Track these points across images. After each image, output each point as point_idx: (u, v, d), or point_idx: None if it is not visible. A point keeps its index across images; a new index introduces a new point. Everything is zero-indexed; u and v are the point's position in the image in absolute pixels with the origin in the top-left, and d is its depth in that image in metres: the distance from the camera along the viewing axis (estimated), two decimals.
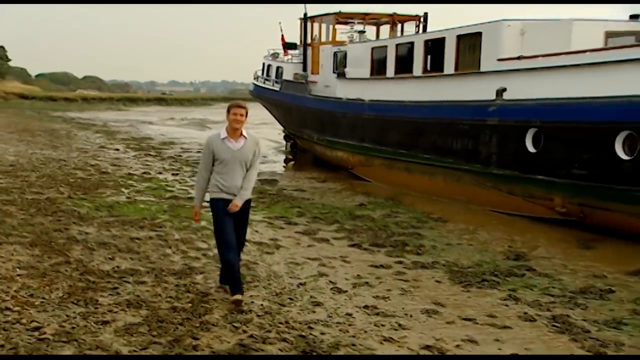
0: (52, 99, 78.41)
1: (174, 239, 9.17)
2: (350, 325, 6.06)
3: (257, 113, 31.87)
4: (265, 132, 35.00)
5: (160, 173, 17.47)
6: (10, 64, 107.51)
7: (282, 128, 27.30)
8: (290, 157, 25.21)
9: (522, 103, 12.68)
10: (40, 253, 7.78)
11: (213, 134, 6.52)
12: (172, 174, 17.41)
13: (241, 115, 6.20)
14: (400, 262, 8.93)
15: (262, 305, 6.38)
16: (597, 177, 10.87)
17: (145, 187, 14.35)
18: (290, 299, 6.67)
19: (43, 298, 6.14)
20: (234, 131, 6.24)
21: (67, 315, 5.67)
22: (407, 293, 7.41)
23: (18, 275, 6.84)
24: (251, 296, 6.66)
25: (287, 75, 24.34)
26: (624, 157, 10.37)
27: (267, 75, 26.53)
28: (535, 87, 12.35)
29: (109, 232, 9.29)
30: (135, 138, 31.23)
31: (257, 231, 10.33)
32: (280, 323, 5.88)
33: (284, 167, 23.95)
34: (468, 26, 14.86)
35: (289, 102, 23.83)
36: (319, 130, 21.18)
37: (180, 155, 23.10)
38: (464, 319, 6.54)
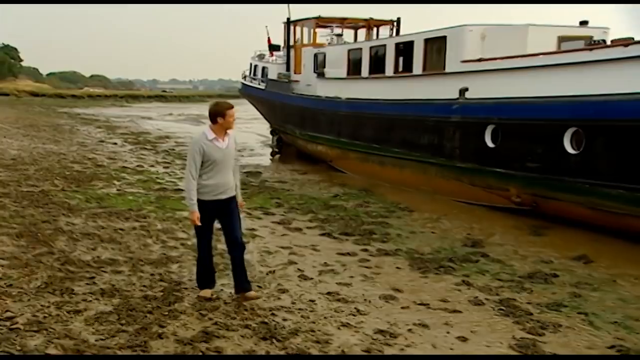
0: (60, 96, 77.81)
1: (156, 229, 8.94)
2: (311, 311, 5.95)
3: (248, 109, 31.73)
4: (255, 126, 34.81)
5: (152, 166, 17.13)
6: (23, 64, 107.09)
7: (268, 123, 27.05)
8: (277, 150, 24.96)
9: (481, 102, 12.59)
10: (26, 244, 7.52)
11: (198, 135, 5.87)
12: (164, 167, 17.08)
13: (232, 116, 5.83)
14: (366, 250, 8.78)
15: (231, 293, 6.20)
16: (548, 170, 10.81)
17: (136, 179, 14.06)
18: (259, 286, 6.48)
19: (21, 288, 5.92)
20: (226, 132, 5.80)
21: (41, 305, 5.47)
22: (369, 279, 7.29)
23: (0, 265, 6.59)
24: (222, 284, 6.49)
25: (272, 74, 24.15)
26: (571, 151, 10.32)
27: (254, 74, 26.32)
28: (494, 87, 12.26)
29: (95, 223, 9.00)
30: (134, 133, 30.75)
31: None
32: (246, 310, 5.74)
33: (270, 159, 23.73)
34: (434, 30, 14.76)
35: (273, 99, 23.66)
36: (301, 125, 21.02)
37: (173, 149, 22.77)
38: (419, 304, 6.44)
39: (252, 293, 6.02)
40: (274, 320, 5.49)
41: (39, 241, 7.63)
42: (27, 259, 6.88)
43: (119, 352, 4.49)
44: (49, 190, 11.30)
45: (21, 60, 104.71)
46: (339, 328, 5.53)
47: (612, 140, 9.64)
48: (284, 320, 5.56)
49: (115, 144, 23.71)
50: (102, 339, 4.74)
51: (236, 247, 6.01)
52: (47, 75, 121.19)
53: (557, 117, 10.64)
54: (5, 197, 10.39)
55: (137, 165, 16.83)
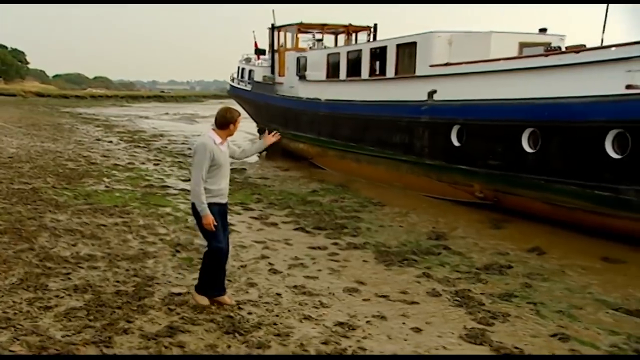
0: (64, 96, 76.71)
1: (138, 225, 8.62)
2: (276, 304, 5.76)
3: (238, 109, 31.24)
4: (244, 125, 34.32)
5: (143, 163, 16.74)
6: (30, 66, 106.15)
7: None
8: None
9: (448, 103, 12.55)
10: (8, 240, 7.18)
11: (206, 139, 5.30)
12: (154, 164, 16.70)
13: (238, 123, 5.51)
14: (336, 244, 8.59)
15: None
16: (508, 167, 10.78)
17: (126, 176, 13.72)
18: (229, 280, 6.23)
19: None
20: (227, 136, 5.42)
21: (13, 302, 5.21)
22: (335, 273, 7.11)
23: None
24: (194, 279, 6.27)
25: (258, 77, 24.01)
26: (529, 150, 10.29)
27: (241, 77, 26.11)
28: (460, 89, 12.22)
29: (80, 219, 8.66)
30: (130, 131, 30.29)
31: None
32: (214, 305, 5.52)
33: (257, 156, 23.49)
34: (405, 36, 14.63)
35: (259, 100, 23.48)
36: (284, 124, 20.78)
37: (165, 147, 22.44)
38: (380, 296, 6.30)
39: (226, 298, 5.60)
40: (239, 314, 5.32)
41: (22, 238, 7.32)
42: (7, 255, 6.58)
43: (82, 349, 4.29)
44: (40, 188, 10.96)
45: (28, 63, 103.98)
46: (301, 321, 5.36)
47: (564, 140, 9.60)
48: (249, 314, 5.38)
49: (111, 142, 23.25)
50: (68, 335, 4.52)
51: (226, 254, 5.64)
52: (54, 77, 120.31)
53: (516, 118, 10.61)
54: None
55: (129, 163, 16.45)
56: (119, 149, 20.58)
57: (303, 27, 22.28)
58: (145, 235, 8.11)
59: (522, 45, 12.98)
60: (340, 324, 5.34)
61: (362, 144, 15.75)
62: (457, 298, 6.33)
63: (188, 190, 12.27)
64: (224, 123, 5.38)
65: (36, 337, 4.46)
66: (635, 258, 8.16)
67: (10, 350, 4.15)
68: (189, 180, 13.45)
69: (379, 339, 5.08)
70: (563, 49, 11.51)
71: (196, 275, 6.33)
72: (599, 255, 8.33)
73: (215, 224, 5.23)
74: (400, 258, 7.89)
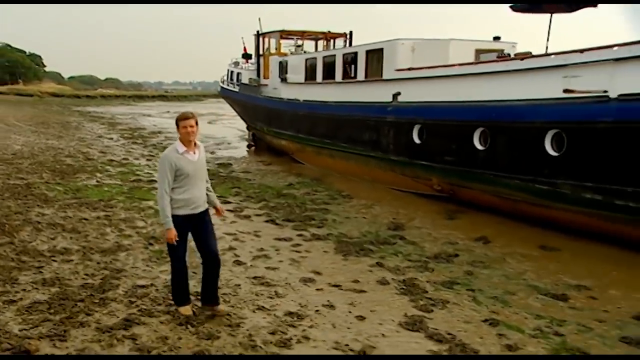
0: (77, 96, 75.56)
1: (118, 219, 8.32)
2: (234, 295, 5.55)
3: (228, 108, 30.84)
4: (237, 123, 33.98)
5: (137, 159, 16.39)
6: (47, 69, 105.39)
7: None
8: (252, 143, 24.40)
9: (410, 105, 12.36)
10: None
11: (168, 150, 4.73)
12: (147, 160, 16.35)
13: (191, 126, 4.61)
14: (301, 235, 8.34)
15: (165, 279, 5.72)
16: (462, 163, 10.60)
17: (117, 171, 13.38)
18: (194, 272, 5.87)
19: None
20: (190, 143, 4.65)
21: None
22: (295, 263, 6.89)
23: None
24: (160, 271, 6.08)
25: (245, 79, 23.54)
26: (480, 147, 10.12)
27: (231, 79, 25.67)
28: (421, 92, 12.05)
29: (65, 213, 8.34)
30: (132, 128, 29.79)
31: None
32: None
33: (247, 151, 23.15)
34: (374, 43, 14.40)
35: (245, 100, 23.12)
36: (268, 123, 20.56)
37: (161, 143, 22.01)
38: (332, 286, 6.11)
39: (221, 307, 5.00)
40: (196, 306, 5.12)
41: (4, 232, 7.00)
42: None
43: (37, 342, 4.07)
44: (34, 183, 10.62)
45: (44, 66, 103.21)
46: (254, 311, 5.17)
47: (510, 139, 9.46)
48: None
49: (112, 139, 22.83)
50: (25, 329, 4.29)
51: (212, 261, 4.94)
52: (69, 78, 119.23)
53: (468, 119, 10.43)
54: None
55: (123, 158, 16.09)
56: (117, 146, 20.20)
57: (285, 34, 21.96)
58: (123, 228, 7.83)
59: (479, 52, 12.86)
60: (291, 313, 5.16)
61: (336, 140, 15.53)
62: (404, 286, 6.17)
63: None
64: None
65: None
66: (569, 245, 8.04)
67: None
68: None
69: (324, 328, 4.91)
70: (512, 56, 11.34)
71: (162, 267, 6.17)
72: (537, 243, 8.17)
73: (177, 239, 4.64)
74: (358, 248, 7.70)
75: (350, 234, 8.65)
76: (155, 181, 12.27)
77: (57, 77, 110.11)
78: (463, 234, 8.81)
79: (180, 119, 4.66)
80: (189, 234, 4.91)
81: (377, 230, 8.96)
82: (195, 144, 4.76)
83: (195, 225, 4.84)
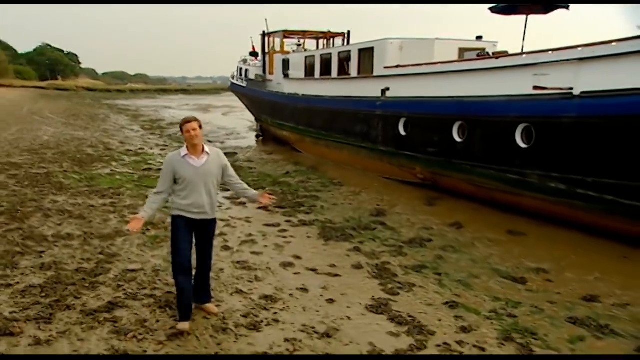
0: (108, 90, 75.65)
1: (123, 205, 8.16)
2: (216, 279, 5.36)
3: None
4: (248, 115, 33.72)
5: (151, 148, 16.26)
6: (83, 66, 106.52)
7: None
8: (260, 134, 24.26)
9: (397, 99, 12.12)
10: (4, 220, 6.76)
11: (173, 152, 4.32)
12: (161, 149, 16.19)
13: (194, 129, 4.09)
14: (289, 221, 8.11)
15: (155, 264, 5.63)
16: (442, 154, 10.40)
17: (131, 160, 13.25)
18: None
19: None
20: (194, 147, 4.12)
21: None
22: (279, 248, 6.69)
23: None
24: (152, 256, 5.97)
25: (252, 75, 23.35)
26: (458, 139, 9.90)
27: (240, 75, 25.42)
28: (408, 88, 11.80)
29: (75, 200, 8.21)
30: (152, 120, 29.65)
31: None
32: (159, 280, 5.18)
33: (255, 141, 22.96)
34: (366, 42, 14.14)
35: (252, 95, 22.94)
36: (272, 115, 20.38)
37: (176, 134, 21.83)
38: (309, 269, 5.94)
39: (209, 306, 4.60)
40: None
41: (15, 218, 6.89)
42: None
43: (23, 325, 4.00)
44: (53, 172, 10.53)
45: (80, 63, 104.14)
46: (231, 295, 5.04)
47: (485, 132, 9.24)
48: (188, 289, 5.03)
49: (132, 130, 22.71)
50: (15, 312, 4.20)
51: (204, 266, 4.56)
52: (102, 74, 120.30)
53: (448, 113, 10.20)
54: (13, 178, 9.70)
55: (139, 148, 15.97)
56: (136, 136, 20.09)
57: (288, 34, 21.72)
58: (125, 214, 7.63)
59: (462, 50, 12.62)
60: (266, 297, 5.03)
61: (331, 132, 15.34)
62: (376, 270, 6.00)
63: None
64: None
65: None
66: (535, 231, 7.85)
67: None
68: None
69: (295, 311, 4.78)
70: (491, 55, 11.06)
71: (155, 252, 6.07)
72: (506, 228, 7.97)
73: (136, 230, 4.13)
74: (339, 234, 7.50)
75: (335, 220, 8.44)
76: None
77: (92, 73, 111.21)
78: (439, 220, 8.63)
79: (183, 123, 4.20)
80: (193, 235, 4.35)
81: (360, 216, 8.77)
82: (203, 149, 4.19)
83: (198, 232, 4.34)
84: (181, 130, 4.21)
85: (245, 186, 4.65)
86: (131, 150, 15.28)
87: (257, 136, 23.89)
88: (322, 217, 8.63)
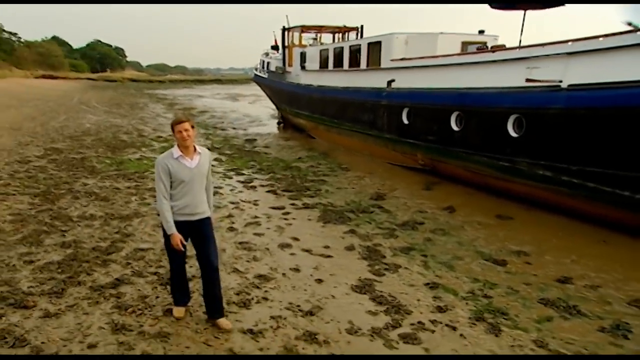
0: (150, 81, 76.50)
1: (145, 188, 8.15)
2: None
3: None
4: (271, 104, 33.50)
5: None
6: (128, 59, 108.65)
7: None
8: (281, 121, 24.15)
9: (401, 90, 11.83)
10: (38, 202, 6.81)
11: (163, 155, 3.79)
12: None
13: (186, 130, 3.64)
14: (294, 204, 7.96)
15: (159, 250, 5.56)
16: (441, 141, 10.14)
17: (160, 146, 13.32)
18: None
19: (4, 240, 5.31)
20: (187, 148, 3.70)
21: (8, 256, 4.90)
22: (280, 230, 6.57)
23: (3, 221, 5.95)
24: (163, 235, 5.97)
25: (273, 67, 23.18)
26: (456, 128, 9.62)
27: (262, 67, 25.27)
28: (412, 79, 11.49)
29: (103, 183, 8.26)
30: (185, 108, 29.79)
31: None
32: (165, 259, 4.95)
33: (277, 127, 22.88)
34: (374, 37, 13.81)
35: (273, 85, 22.77)
36: (290, 104, 20.24)
37: (204, 121, 22.03)
38: (305, 250, 5.82)
39: (222, 321, 3.92)
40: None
41: (47, 200, 6.96)
42: (28, 215, 6.24)
43: (37, 298, 4.08)
44: (88, 157, 10.65)
45: (126, 57, 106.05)
46: (229, 274, 4.97)
47: (480, 121, 8.93)
48: (190, 267, 4.90)
49: (166, 117, 22.83)
50: (31, 287, 4.27)
51: (210, 272, 3.94)
52: (146, 66, 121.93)
53: (447, 104, 9.89)
54: (53, 162, 9.86)
55: (169, 135, 15.97)
56: (169, 123, 20.09)
57: (305, 29, 21.38)
58: (145, 197, 7.66)
59: (465, 44, 12.15)
60: (260, 276, 4.96)
61: (342, 120, 15.14)
62: (367, 252, 5.86)
63: None
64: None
65: (4, 287, 4.21)
66: (522, 215, 7.61)
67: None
68: (209, 149, 12.76)
69: (284, 290, 4.72)
70: (490, 48, 10.62)
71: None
72: (495, 212, 7.74)
73: (182, 248, 3.74)
74: (338, 216, 7.35)
75: (337, 203, 8.29)
76: None
77: (136, 66, 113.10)
78: (434, 204, 8.43)
79: (174, 124, 3.71)
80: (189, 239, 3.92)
81: (360, 200, 8.61)
82: (195, 149, 3.78)
83: (194, 234, 3.88)
84: (172, 130, 3.72)
85: (211, 197, 4.07)
86: (162, 137, 15.35)
87: (278, 123, 23.80)
88: (325, 200, 8.50)
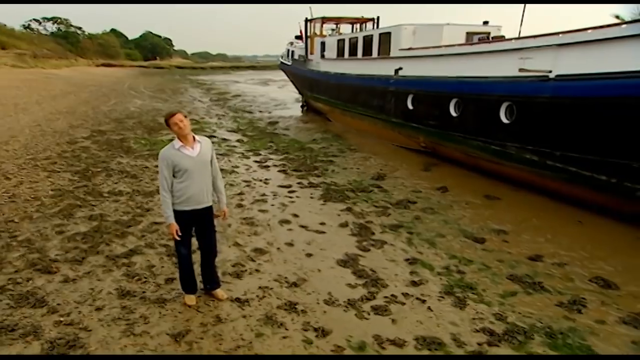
0: (194, 68, 77.01)
1: None
2: (221, 232, 5.22)
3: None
4: (293, 88, 33.03)
5: (211, 118, 16.30)
6: (176, 48, 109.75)
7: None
8: (305, 105, 23.92)
9: (407, 78, 11.45)
10: (77, 179, 6.91)
11: (165, 147, 3.58)
12: (218, 118, 16.28)
13: (181, 120, 3.46)
14: (300, 183, 7.79)
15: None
16: (441, 126, 9.81)
17: (191, 128, 13.33)
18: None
19: (42, 212, 5.43)
20: (186, 138, 3.52)
21: (44, 227, 5.04)
22: (283, 207, 6.45)
23: (45, 195, 6.10)
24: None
25: (296, 56, 22.84)
26: (454, 114, 9.27)
27: (287, 55, 24.91)
28: (418, 68, 11.08)
29: (135, 162, 8.32)
30: (221, 92, 29.74)
31: (229, 161, 9.42)
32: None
33: (301, 111, 22.61)
34: (385, 28, 13.37)
35: (296, 72, 22.51)
36: (310, 89, 20.02)
37: (235, 105, 21.97)
38: (301, 226, 5.73)
39: (218, 292, 3.96)
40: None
41: (85, 177, 7.07)
42: (66, 190, 6.35)
43: (60, 265, 4.23)
44: (127, 138, 10.78)
45: (173, 46, 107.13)
46: (229, 247, 4.96)
47: (475, 108, 8.56)
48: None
49: (201, 101, 22.93)
50: (58, 254, 4.42)
51: (209, 256, 3.91)
52: (191, 54, 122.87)
53: (447, 91, 9.52)
54: (96, 143, 10.05)
55: (202, 117, 16.04)
56: (203, 107, 20.25)
57: (326, 20, 20.83)
58: None
59: (469, 34, 11.59)
60: (257, 249, 4.94)
61: (355, 104, 14.86)
62: (358, 229, 5.72)
63: (227, 139, 11.97)
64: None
65: (36, 254, 4.39)
66: (509, 195, 7.33)
67: (8, 262, 4.08)
68: (234, 131, 12.69)
69: (276, 262, 4.70)
70: (491, 38, 10.10)
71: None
72: (484, 193, 7.47)
73: (180, 234, 3.58)
74: (338, 195, 7.19)
75: (340, 182, 8.10)
76: (215, 136, 12.23)
77: (183, 54, 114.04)
78: (428, 184, 8.19)
79: (168, 118, 3.49)
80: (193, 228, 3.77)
81: (362, 180, 8.41)
82: (194, 138, 3.59)
83: (198, 221, 3.71)
84: (168, 125, 3.50)
85: (222, 189, 3.85)
86: (194, 120, 15.40)
87: (302, 106, 23.57)
88: (330, 180, 8.34)
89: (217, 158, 7.35)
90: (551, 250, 5.11)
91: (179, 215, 3.57)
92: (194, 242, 3.86)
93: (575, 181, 6.37)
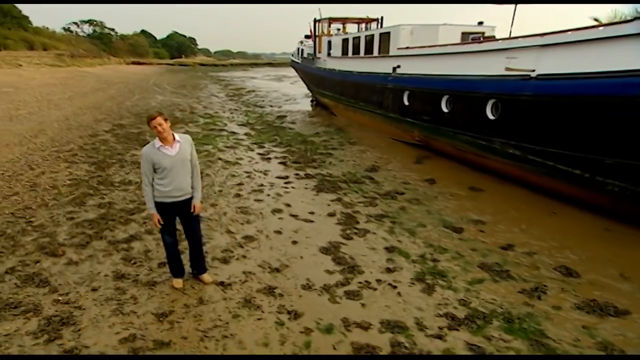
0: (215, 65, 77.05)
1: None
2: (216, 221, 5.28)
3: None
4: (303, 84, 32.66)
5: (224, 112, 16.26)
6: (199, 46, 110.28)
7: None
8: (314, 100, 23.75)
9: (403, 75, 11.26)
10: (93, 169, 6.97)
11: (147, 146, 3.59)
12: (230, 113, 16.21)
13: (160, 124, 3.43)
14: (297, 175, 7.67)
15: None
16: (433, 121, 9.64)
17: (204, 122, 13.35)
18: (201, 201, 5.54)
19: (57, 200, 5.49)
20: (165, 139, 3.51)
21: (57, 213, 5.11)
22: (277, 197, 6.37)
23: (63, 184, 6.17)
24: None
25: (306, 54, 22.67)
26: (445, 110, 9.10)
27: (298, 54, 24.73)
28: (414, 66, 10.88)
29: None
30: (237, 88, 29.66)
31: (235, 153, 9.41)
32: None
33: (310, 106, 22.41)
34: (385, 28, 13.17)
35: (305, 69, 22.34)
36: (317, 86, 19.88)
37: (248, 100, 21.89)
38: (292, 215, 5.65)
39: (205, 276, 4.01)
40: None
41: (100, 168, 7.12)
42: (82, 180, 6.40)
43: (66, 249, 4.34)
44: (144, 131, 10.85)
45: (197, 45, 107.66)
46: (222, 234, 4.95)
47: (464, 105, 8.38)
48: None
49: (218, 96, 22.90)
50: (66, 239, 4.50)
51: (195, 242, 3.98)
52: (214, 52, 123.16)
53: (438, 88, 9.34)
54: (115, 136, 10.14)
55: (215, 112, 16.04)
56: (218, 102, 20.24)
57: (332, 20, 20.57)
58: None
59: (464, 34, 11.31)
60: (247, 237, 4.91)
61: (357, 100, 14.71)
62: (344, 218, 5.64)
63: (235, 132, 11.97)
64: None
65: (46, 239, 4.47)
66: (493, 188, 7.17)
67: (21, 245, 4.17)
68: (243, 125, 12.61)
69: (263, 249, 4.69)
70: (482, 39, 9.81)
71: None
72: (469, 185, 7.31)
73: (162, 222, 3.63)
74: (331, 186, 7.06)
75: (334, 174, 7.96)
76: (225, 130, 12.25)
77: (206, 52, 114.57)
78: (418, 176, 8.06)
79: (149, 120, 3.46)
80: (177, 217, 3.82)
81: (356, 172, 8.29)
82: (174, 138, 3.55)
83: (182, 212, 3.75)
84: (149, 126, 3.48)
85: (198, 186, 3.82)
86: (208, 114, 15.44)
87: (311, 102, 23.43)
88: (326, 171, 8.23)
89: (224, 150, 7.30)
90: (523, 240, 5.01)
91: (161, 206, 3.61)
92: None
93: (553, 175, 6.22)
